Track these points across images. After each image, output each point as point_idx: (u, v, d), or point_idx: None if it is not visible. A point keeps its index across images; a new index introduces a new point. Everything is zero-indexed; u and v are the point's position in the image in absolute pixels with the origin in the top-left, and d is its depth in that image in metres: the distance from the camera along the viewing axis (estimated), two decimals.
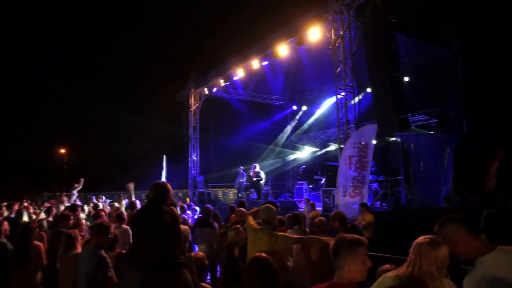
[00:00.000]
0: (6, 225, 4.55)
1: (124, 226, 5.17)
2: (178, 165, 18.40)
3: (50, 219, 6.80)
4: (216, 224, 5.91)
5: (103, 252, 3.35)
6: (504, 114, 9.21)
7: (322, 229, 4.38)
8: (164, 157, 16.33)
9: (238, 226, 4.45)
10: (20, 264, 4.00)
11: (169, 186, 3.04)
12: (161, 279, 2.58)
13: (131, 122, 30.51)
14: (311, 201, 8.66)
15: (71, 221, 4.96)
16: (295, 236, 3.69)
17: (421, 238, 2.14)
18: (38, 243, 4.18)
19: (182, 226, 4.70)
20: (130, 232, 4.98)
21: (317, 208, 9.42)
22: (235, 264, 3.68)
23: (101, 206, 9.14)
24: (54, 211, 8.13)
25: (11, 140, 35.59)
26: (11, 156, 34.76)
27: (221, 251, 4.94)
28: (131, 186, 8.27)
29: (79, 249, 3.75)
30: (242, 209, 5.68)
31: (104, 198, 14.98)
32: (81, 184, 11.41)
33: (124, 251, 3.73)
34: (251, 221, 3.67)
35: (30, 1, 43.77)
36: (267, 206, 3.65)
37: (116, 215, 5.47)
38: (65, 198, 10.65)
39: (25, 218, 6.78)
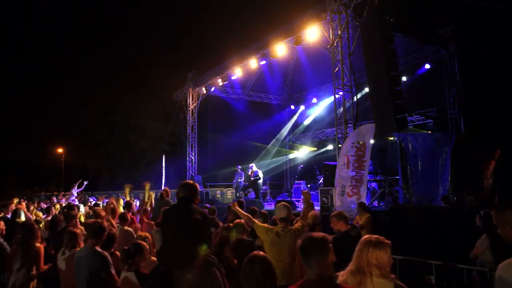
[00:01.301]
0: (2, 224, 4.54)
1: (126, 227, 5.07)
2: (176, 165, 18.36)
3: (49, 219, 6.77)
4: (220, 224, 5.91)
5: (103, 251, 3.38)
6: (501, 114, 9.25)
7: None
8: (164, 156, 16.31)
9: (231, 224, 4.44)
10: (20, 264, 3.98)
11: (198, 186, 3.07)
12: (192, 277, 2.57)
13: (129, 121, 30.43)
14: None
15: (77, 220, 4.94)
16: (300, 222, 3.65)
17: (365, 236, 2.32)
18: (39, 244, 4.16)
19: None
20: (133, 233, 4.96)
21: (315, 208, 9.44)
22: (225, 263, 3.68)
23: (99, 206, 9.11)
24: (53, 210, 8.11)
25: (8, 140, 35.44)
26: (8, 155, 34.60)
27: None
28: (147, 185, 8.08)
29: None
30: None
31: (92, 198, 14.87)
32: (83, 186, 11.33)
33: (117, 252, 3.70)
34: (260, 223, 3.66)
35: (33, 1, 43.58)
36: (283, 204, 3.65)
37: (119, 216, 5.40)
38: (54, 198, 10.56)
39: (22, 218, 6.75)
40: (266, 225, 3.62)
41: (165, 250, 2.77)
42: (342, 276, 2.25)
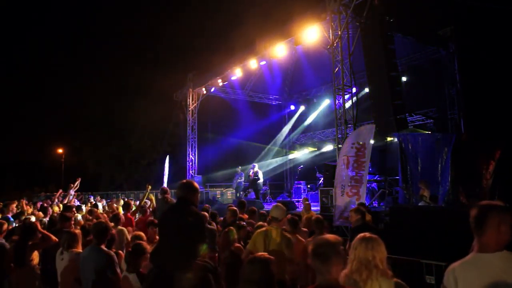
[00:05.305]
0: (5, 226, 4.54)
1: (120, 227, 5.11)
2: (176, 165, 18.34)
3: (46, 219, 6.77)
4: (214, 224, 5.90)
5: (109, 250, 3.43)
6: (501, 114, 9.25)
7: (320, 226, 4.52)
8: (167, 157, 16.28)
9: (232, 228, 4.45)
10: (19, 264, 3.99)
11: (196, 185, 2.98)
12: (184, 280, 2.57)
13: (129, 121, 30.39)
14: (306, 202, 8.68)
15: (72, 222, 4.95)
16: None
17: (360, 234, 2.30)
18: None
19: (210, 226, 4.77)
20: (126, 232, 4.99)
21: (315, 208, 9.45)
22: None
23: (100, 206, 9.10)
24: (50, 211, 8.11)
25: (8, 140, 35.44)
26: (8, 155, 34.61)
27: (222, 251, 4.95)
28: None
29: (80, 248, 3.74)
30: (234, 208, 5.69)
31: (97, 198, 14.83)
32: (78, 184, 11.24)
33: (120, 252, 3.73)
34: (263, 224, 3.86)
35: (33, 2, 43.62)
36: (277, 204, 3.78)
37: (112, 216, 5.42)
38: (56, 199, 10.48)
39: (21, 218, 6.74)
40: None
41: (158, 251, 2.78)
42: (342, 278, 2.18)
